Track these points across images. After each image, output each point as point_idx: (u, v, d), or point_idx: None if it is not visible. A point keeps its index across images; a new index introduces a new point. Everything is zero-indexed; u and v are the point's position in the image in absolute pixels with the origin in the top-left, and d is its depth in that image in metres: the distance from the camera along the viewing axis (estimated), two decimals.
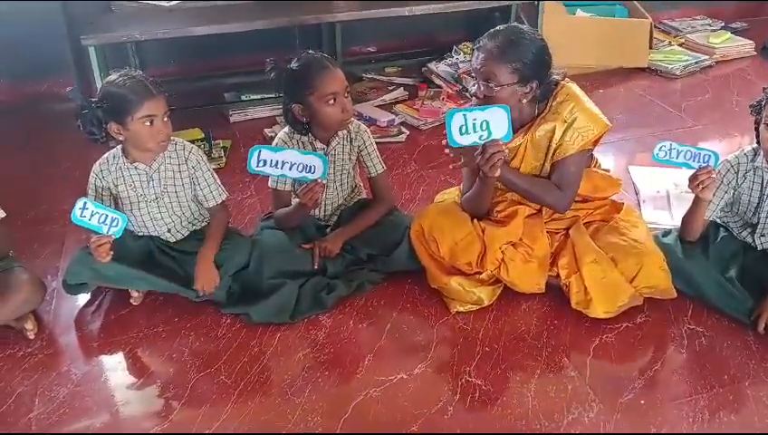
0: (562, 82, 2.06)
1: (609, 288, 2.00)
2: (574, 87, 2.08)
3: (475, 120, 1.87)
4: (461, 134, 1.89)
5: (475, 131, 1.88)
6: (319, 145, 2.20)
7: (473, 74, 2.02)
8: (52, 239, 2.46)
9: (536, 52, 1.96)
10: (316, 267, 2.16)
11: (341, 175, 2.28)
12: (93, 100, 2.00)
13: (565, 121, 2.02)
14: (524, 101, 1.99)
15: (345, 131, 2.23)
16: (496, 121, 1.88)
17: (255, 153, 1.99)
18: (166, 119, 2.00)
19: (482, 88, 1.97)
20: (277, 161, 1.99)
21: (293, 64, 2.12)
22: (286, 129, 2.23)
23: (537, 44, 1.97)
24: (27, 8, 3.52)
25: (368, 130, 2.29)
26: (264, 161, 2.00)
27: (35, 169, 3.05)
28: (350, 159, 2.27)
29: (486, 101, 1.96)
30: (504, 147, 1.90)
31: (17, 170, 3.01)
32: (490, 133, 1.89)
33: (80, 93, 3.52)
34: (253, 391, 1.83)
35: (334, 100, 2.08)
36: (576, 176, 2.08)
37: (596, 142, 2.10)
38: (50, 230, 2.48)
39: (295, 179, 2.10)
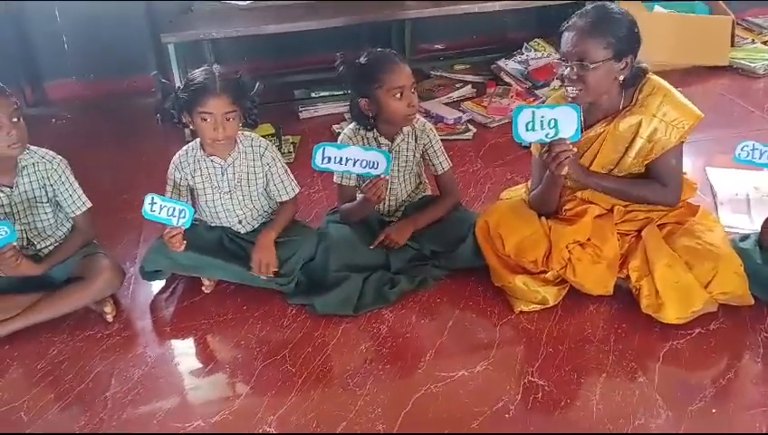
0: (648, 75, 2.02)
1: (683, 293, 1.93)
2: (660, 80, 2.03)
3: (543, 117, 1.85)
4: (527, 130, 1.87)
5: (542, 129, 1.86)
6: (384, 141, 2.22)
7: (563, 58, 1.97)
8: (131, 228, 2.58)
9: (628, 25, 1.93)
10: (373, 246, 2.19)
11: (405, 171, 2.29)
12: (177, 87, 2.10)
13: (654, 116, 1.98)
14: (620, 78, 1.95)
15: (410, 128, 2.24)
16: (565, 120, 1.85)
17: (320, 151, 2.03)
18: (230, 119, 2.03)
19: (575, 69, 1.92)
20: (341, 158, 2.02)
21: (362, 59, 2.15)
22: (352, 125, 2.26)
23: (628, 18, 1.95)
24: (112, 9, 3.70)
25: (433, 129, 2.30)
26: (329, 158, 2.03)
27: (119, 160, 3.20)
28: (414, 156, 2.28)
29: (581, 82, 1.92)
30: (571, 146, 1.87)
31: (102, 162, 3.16)
32: (558, 132, 1.86)
33: (161, 92, 3.66)
34: (316, 380, 1.87)
35: (401, 94, 2.10)
36: (678, 168, 2.06)
37: (688, 133, 2.03)
38: (130, 219, 2.60)
39: (359, 175, 2.13)
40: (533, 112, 1.86)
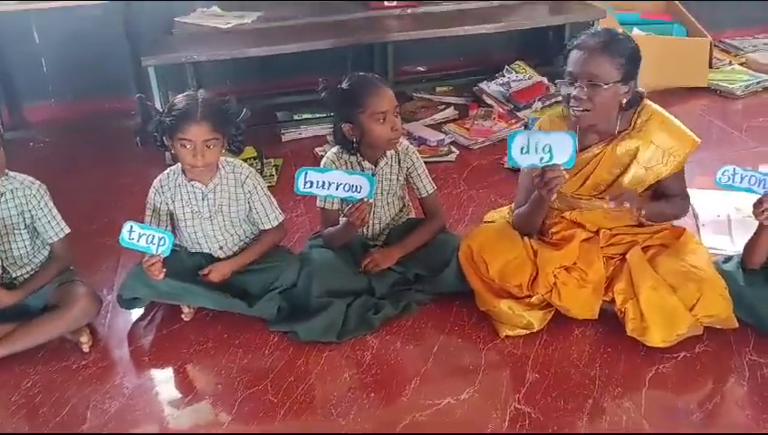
0: (644, 101, 2.04)
1: (668, 316, 1.93)
2: (656, 106, 2.07)
3: (538, 141, 1.87)
4: (521, 154, 1.88)
5: (536, 153, 1.87)
6: (367, 165, 2.21)
7: (570, 78, 1.96)
8: (109, 254, 2.53)
9: (633, 49, 1.96)
10: (362, 269, 2.17)
11: (389, 195, 2.28)
12: (159, 111, 2.08)
13: (651, 142, 2.00)
14: (623, 101, 1.97)
15: (393, 152, 2.23)
16: (560, 147, 1.86)
17: (302, 175, 2.01)
18: (210, 146, 2.01)
19: (584, 90, 1.92)
20: (324, 182, 2.01)
21: (344, 83, 2.14)
22: (335, 149, 2.25)
23: (633, 43, 1.98)
24: (91, 30, 3.67)
25: (416, 152, 2.29)
26: (311, 182, 2.01)
27: (97, 184, 3.14)
28: (397, 179, 2.27)
29: (589, 102, 1.92)
30: (563, 172, 1.88)
31: (81, 186, 3.11)
32: (551, 157, 1.87)
33: (140, 114, 3.64)
34: (298, 410, 1.83)
35: (384, 118, 2.09)
36: (684, 183, 2.14)
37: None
38: (108, 244, 2.55)
39: (342, 199, 2.11)
40: (529, 137, 1.87)
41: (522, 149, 1.87)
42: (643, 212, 1.98)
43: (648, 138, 2.01)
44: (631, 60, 1.94)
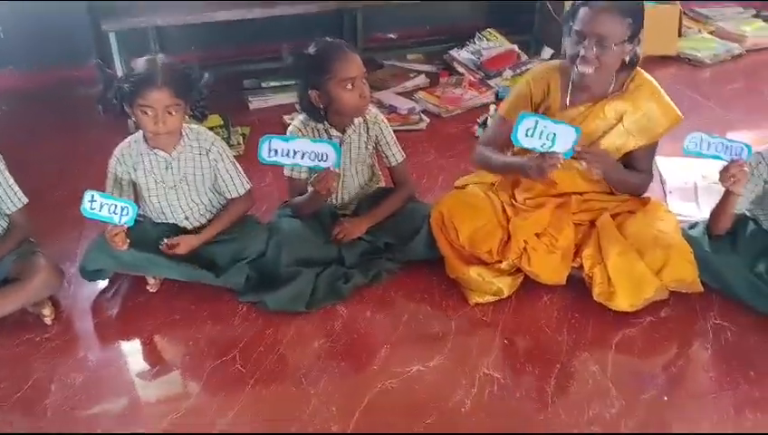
0: (638, 70, 2.05)
1: (635, 281, 1.95)
2: (647, 75, 2.08)
3: (545, 127, 1.89)
4: (526, 136, 1.91)
5: (539, 138, 1.90)
6: (334, 133, 2.17)
7: (578, 36, 1.94)
8: (71, 224, 2.46)
9: (640, 9, 1.95)
10: (332, 238, 2.16)
11: (358, 163, 2.25)
12: (120, 77, 2.01)
13: (640, 108, 2.02)
14: (626, 59, 1.98)
15: (361, 120, 2.19)
16: (563, 137, 1.90)
17: (266, 143, 1.96)
18: (172, 113, 1.95)
19: (594, 48, 1.91)
20: (289, 150, 1.97)
21: (311, 50, 2.09)
22: (301, 117, 2.20)
23: (640, 2, 1.97)
24: None
25: (384, 120, 2.25)
26: (276, 151, 1.97)
27: (58, 153, 3.06)
28: (366, 147, 2.23)
29: (597, 61, 1.92)
30: (560, 160, 1.91)
31: (41, 155, 3.02)
32: (553, 145, 1.90)
33: (102, 81, 3.53)
34: (268, 380, 1.81)
35: (352, 85, 2.05)
36: (652, 157, 2.18)
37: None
38: (71, 214, 2.46)
39: (309, 168, 2.07)
40: (537, 122, 1.90)
41: (528, 131, 1.90)
42: (597, 171, 2.00)
43: (637, 103, 2.03)
44: (638, 18, 1.93)
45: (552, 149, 1.90)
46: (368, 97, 2.11)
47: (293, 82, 3.34)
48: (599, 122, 2.05)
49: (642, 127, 2.05)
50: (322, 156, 1.96)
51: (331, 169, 1.98)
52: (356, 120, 2.18)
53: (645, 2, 3.92)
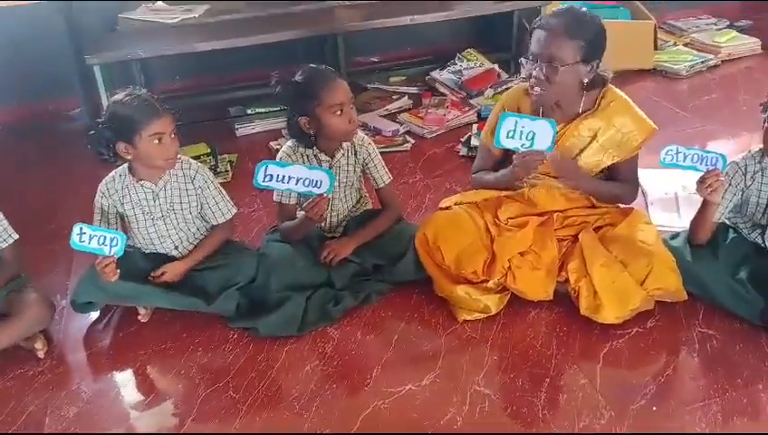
0: (608, 85, 2.10)
1: (621, 292, 1.98)
2: (618, 90, 2.13)
3: (524, 127, 1.96)
4: (507, 137, 1.98)
5: (520, 138, 1.97)
6: (324, 157, 2.20)
7: (531, 58, 2.01)
8: (61, 258, 2.47)
9: (598, 30, 1.99)
10: (322, 258, 2.19)
11: (346, 187, 2.28)
12: (101, 120, 2.02)
13: (613, 125, 2.07)
14: (585, 81, 2.02)
15: (349, 144, 2.23)
16: (542, 134, 1.96)
17: (262, 169, 2.00)
18: (173, 136, 2.01)
19: (544, 70, 1.97)
20: (284, 176, 2.00)
21: (298, 77, 2.12)
22: (290, 142, 2.23)
23: (598, 24, 2.01)
24: (33, 30, 3.56)
25: (372, 143, 2.29)
26: (271, 176, 2.00)
27: (45, 187, 3.07)
28: (354, 171, 2.27)
29: (548, 83, 1.97)
30: (543, 156, 1.97)
31: (27, 189, 3.04)
32: (533, 144, 1.97)
33: (87, 114, 3.56)
34: (261, 406, 1.82)
35: (341, 110, 2.08)
36: (636, 171, 2.21)
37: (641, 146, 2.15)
38: (59, 248, 2.50)
39: (301, 194, 2.10)
40: (516, 122, 1.97)
41: (509, 132, 1.98)
42: (567, 183, 2.07)
43: (611, 119, 2.07)
44: (594, 41, 1.98)
45: (532, 148, 1.97)
46: (356, 121, 2.15)
47: (279, 109, 3.42)
48: (574, 141, 2.10)
49: (617, 142, 2.10)
50: (316, 182, 1.99)
51: (324, 195, 2.01)
52: (344, 145, 2.21)
53: (621, 19, 4.03)
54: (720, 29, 4.46)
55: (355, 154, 2.25)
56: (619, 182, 2.20)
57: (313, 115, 2.09)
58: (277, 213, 2.29)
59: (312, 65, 2.16)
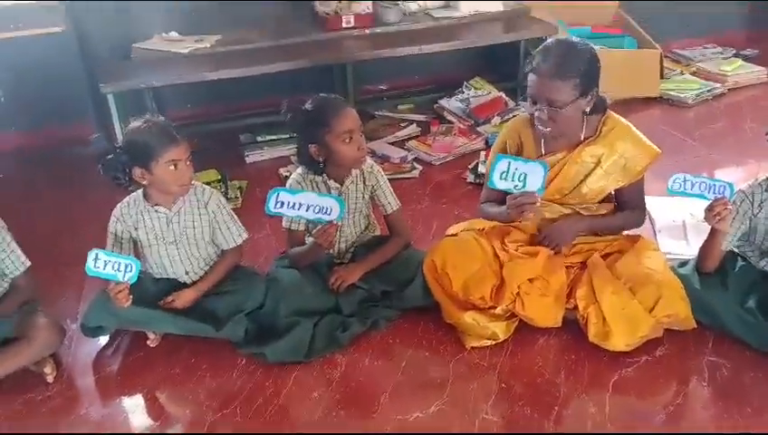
0: (608, 112, 2.12)
1: (630, 320, 1.97)
2: (618, 116, 2.14)
3: (516, 169, 2.00)
4: (500, 178, 2.01)
5: (512, 180, 2.00)
6: (333, 184, 2.23)
7: (531, 99, 2.03)
8: (72, 282, 2.49)
9: (589, 60, 2.00)
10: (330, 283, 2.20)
11: (355, 213, 2.30)
12: (118, 146, 2.06)
13: (616, 151, 2.08)
14: (587, 109, 2.04)
15: (358, 171, 2.25)
16: (533, 175, 1.99)
17: (274, 196, 2.03)
18: (188, 163, 2.05)
19: (545, 112, 1.99)
20: (294, 203, 2.02)
21: (308, 105, 2.15)
22: (300, 170, 2.26)
23: (588, 52, 2.01)
24: (49, 58, 3.63)
25: (380, 170, 2.32)
26: (282, 203, 2.03)
27: (59, 213, 3.10)
28: (363, 197, 2.29)
29: (552, 121, 2.00)
30: (537, 199, 1.99)
31: (42, 215, 3.07)
32: (525, 185, 2.00)
33: (104, 140, 3.61)
34: (268, 432, 1.82)
35: (350, 138, 2.11)
36: (642, 195, 2.22)
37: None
38: (70, 273, 2.51)
39: (311, 220, 2.12)
40: (509, 163, 2.00)
41: (502, 174, 2.01)
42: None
43: (613, 145, 2.09)
44: (587, 73, 1.98)
45: (524, 190, 1.99)
46: (365, 149, 2.18)
47: (288, 136, 3.46)
48: (578, 168, 2.11)
49: (621, 167, 2.11)
50: (327, 209, 2.01)
51: (334, 222, 2.03)
52: (353, 172, 2.24)
53: (627, 48, 4.06)
54: (726, 58, 4.48)
55: (363, 181, 2.27)
56: (622, 212, 2.20)
57: (323, 143, 2.12)
58: (286, 239, 2.31)
59: (321, 94, 2.20)
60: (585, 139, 2.11)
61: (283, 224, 2.26)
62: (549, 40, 2.09)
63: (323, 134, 2.11)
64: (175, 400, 1.98)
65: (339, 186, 2.23)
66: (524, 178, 1.99)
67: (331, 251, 2.32)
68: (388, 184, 2.32)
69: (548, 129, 2.03)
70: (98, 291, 2.14)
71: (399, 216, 2.35)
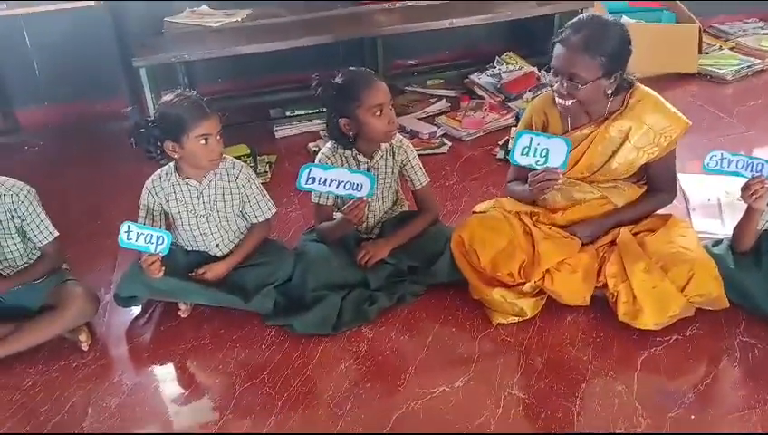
0: (636, 85, 2.07)
1: (661, 298, 1.94)
2: (647, 88, 2.09)
3: (538, 144, 1.97)
4: (522, 154, 1.99)
5: (534, 156, 1.98)
6: (362, 159, 2.23)
7: (554, 71, 1.99)
8: (106, 253, 2.55)
9: (620, 42, 1.96)
10: (359, 259, 2.20)
11: (384, 188, 2.30)
12: (150, 119, 2.09)
13: (644, 123, 2.04)
14: (609, 91, 2.00)
15: (387, 145, 2.24)
16: (555, 151, 1.97)
17: (306, 171, 2.03)
18: (219, 137, 2.06)
19: (565, 85, 1.97)
20: (326, 179, 2.03)
21: (338, 79, 2.15)
22: (329, 144, 2.26)
23: (621, 34, 1.97)
24: (82, 33, 3.68)
25: (410, 145, 2.31)
26: (314, 179, 2.04)
27: (92, 185, 3.17)
28: (392, 172, 2.28)
29: (571, 97, 1.98)
30: (559, 175, 1.96)
31: (76, 187, 3.14)
32: (547, 160, 1.97)
33: (137, 113, 3.67)
34: (296, 402, 1.85)
35: (381, 111, 2.11)
36: (673, 170, 2.16)
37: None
38: (104, 244, 2.57)
39: (342, 196, 2.13)
40: (531, 139, 1.98)
41: (524, 149, 1.99)
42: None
43: (641, 118, 2.04)
44: (615, 54, 1.94)
45: (546, 165, 1.97)
46: (395, 123, 2.17)
47: (318, 111, 3.47)
48: (606, 144, 2.07)
49: (651, 140, 2.06)
50: (357, 186, 2.02)
51: (364, 198, 2.03)
52: (383, 146, 2.23)
53: (665, 22, 3.95)
54: (767, 33, 4.34)
55: (393, 156, 2.26)
56: (652, 193, 2.16)
57: (353, 116, 2.12)
58: (314, 214, 2.32)
59: (351, 68, 2.19)
60: (611, 113, 2.07)
61: (312, 198, 2.27)
62: (583, 14, 2.04)
63: (354, 108, 2.10)
64: (204, 369, 2.02)
65: (368, 160, 2.23)
66: (547, 153, 1.96)
67: (360, 226, 2.33)
68: (418, 159, 2.31)
69: (567, 103, 1.99)
70: (131, 262, 2.18)
71: (428, 191, 2.34)
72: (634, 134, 2.04)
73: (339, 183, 2.02)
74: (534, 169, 1.99)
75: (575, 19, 2.01)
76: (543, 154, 1.96)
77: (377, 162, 2.24)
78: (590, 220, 2.14)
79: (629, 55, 1.99)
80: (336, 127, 2.17)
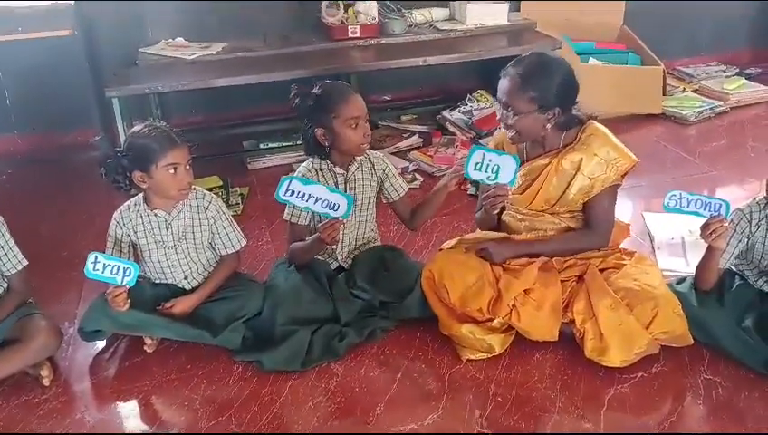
0: (590, 121, 2.14)
1: (627, 335, 1.97)
2: (599, 125, 2.16)
3: (490, 160, 2.03)
4: (474, 169, 2.04)
5: (485, 171, 2.03)
6: (339, 171, 2.25)
7: (497, 100, 2.11)
8: (71, 286, 2.50)
9: (559, 80, 2.03)
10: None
11: (362, 206, 2.31)
12: (119, 149, 2.08)
13: (595, 154, 2.10)
14: (548, 126, 2.07)
15: (364, 157, 2.28)
16: (506, 168, 2.03)
17: (286, 183, 2.04)
18: (188, 167, 2.07)
19: (504, 115, 2.07)
20: (304, 194, 2.03)
21: (316, 90, 2.19)
22: (306, 163, 2.28)
23: (561, 73, 2.04)
24: (55, 62, 3.66)
25: (387, 157, 2.38)
26: (293, 192, 2.03)
27: (59, 216, 3.12)
28: (370, 184, 2.30)
29: (511, 127, 2.07)
30: (508, 191, 2.04)
31: (42, 218, 3.09)
32: (497, 177, 2.03)
33: (107, 142, 3.64)
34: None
35: (356, 124, 2.15)
36: (610, 211, 2.19)
37: (623, 177, 2.16)
38: (69, 277, 2.53)
39: (318, 214, 2.13)
40: (484, 155, 2.04)
41: (476, 165, 2.04)
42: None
43: (592, 150, 2.11)
44: (550, 90, 2.02)
45: (496, 181, 2.03)
46: (369, 136, 2.21)
47: (291, 144, 3.48)
48: (560, 176, 2.14)
49: (603, 170, 2.11)
50: (334, 205, 2.02)
51: (340, 219, 2.04)
52: (358, 158, 2.26)
53: (630, 65, 4.07)
54: (729, 76, 4.50)
55: (372, 167, 2.30)
56: (583, 231, 2.19)
57: (330, 127, 2.15)
58: (287, 232, 2.32)
59: (328, 81, 2.23)
60: (565, 146, 2.14)
61: (285, 216, 2.26)
62: (531, 52, 2.13)
63: (331, 118, 2.14)
64: (170, 405, 1.98)
65: (344, 172, 2.25)
66: (498, 170, 2.02)
67: (333, 248, 2.31)
68: (396, 170, 2.36)
69: (509, 133, 2.11)
70: (96, 295, 2.15)
71: (408, 200, 2.39)
72: (586, 165, 2.10)
73: (316, 199, 2.03)
74: (486, 185, 2.06)
75: (521, 56, 2.10)
76: (494, 170, 2.03)
77: (353, 174, 2.26)
78: (507, 242, 2.20)
79: (572, 93, 2.08)
80: (312, 137, 2.20)
